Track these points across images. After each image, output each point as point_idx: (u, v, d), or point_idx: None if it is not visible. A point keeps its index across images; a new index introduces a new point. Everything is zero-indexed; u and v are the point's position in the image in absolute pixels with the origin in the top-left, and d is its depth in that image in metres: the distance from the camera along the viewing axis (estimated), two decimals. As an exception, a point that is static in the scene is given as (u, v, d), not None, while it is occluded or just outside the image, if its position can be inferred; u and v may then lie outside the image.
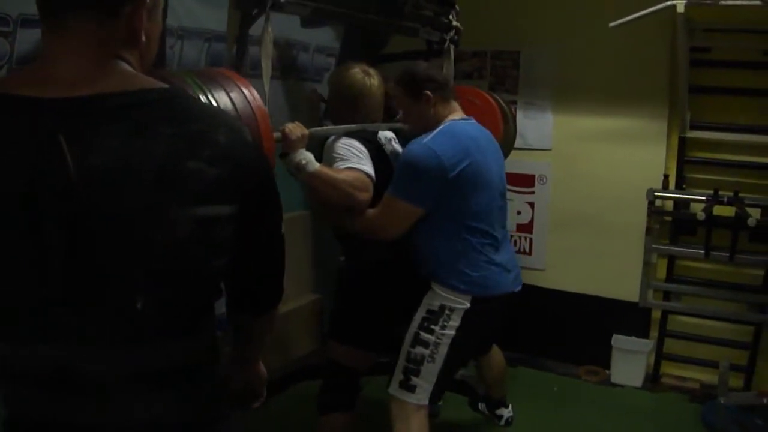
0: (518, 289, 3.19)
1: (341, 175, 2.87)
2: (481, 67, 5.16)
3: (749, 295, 4.43)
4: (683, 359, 4.70)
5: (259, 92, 2.56)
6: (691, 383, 4.61)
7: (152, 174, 1.11)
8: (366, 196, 2.91)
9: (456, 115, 3.11)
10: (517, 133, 4.89)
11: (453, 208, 2.95)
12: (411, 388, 3.01)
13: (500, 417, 4.10)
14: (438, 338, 2.99)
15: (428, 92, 3.02)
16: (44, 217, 1.09)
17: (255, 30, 2.87)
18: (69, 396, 1.19)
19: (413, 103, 3.04)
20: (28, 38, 2.64)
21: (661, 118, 4.57)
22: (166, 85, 1.21)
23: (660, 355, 4.76)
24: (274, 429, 3.93)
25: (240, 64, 3.01)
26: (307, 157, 2.78)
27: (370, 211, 2.96)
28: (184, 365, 1.25)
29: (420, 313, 3.04)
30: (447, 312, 2.98)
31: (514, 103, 5.03)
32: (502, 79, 5.11)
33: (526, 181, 5.04)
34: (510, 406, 4.12)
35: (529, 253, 5.04)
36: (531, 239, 5.00)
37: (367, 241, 3.05)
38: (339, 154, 2.96)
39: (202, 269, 1.21)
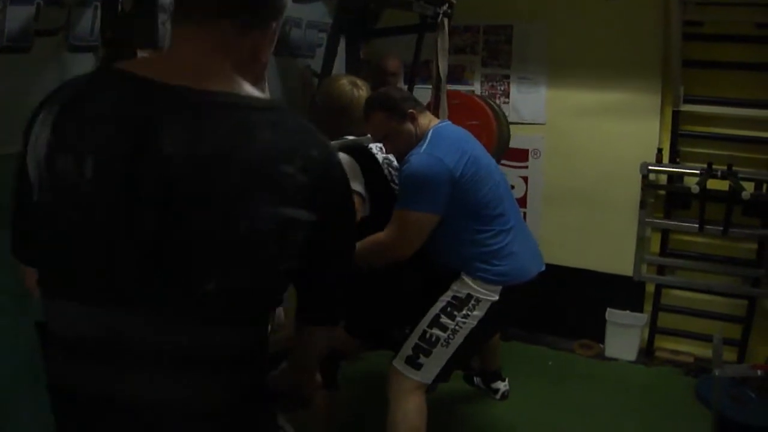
0: (543, 268, 3.20)
1: None
2: (473, 42, 5.14)
3: (743, 268, 4.44)
4: (677, 333, 4.72)
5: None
6: (685, 357, 4.64)
7: (248, 169, 1.20)
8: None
9: (434, 122, 3.15)
10: (511, 108, 4.91)
11: (466, 204, 2.96)
12: (417, 366, 3.01)
13: (496, 391, 4.12)
14: (458, 326, 2.99)
15: (411, 110, 3.04)
16: (141, 188, 1.17)
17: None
18: (114, 366, 1.25)
19: (400, 124, 3.03)
20: (18, 15, 2.61)
21: (655, 91, 4.56)
22: (272, 99, 1.35)
23: (654, 329, 4.78)
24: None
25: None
26: None
27: (382, 235, 2.96)
28: (237, 354, 1.30)
29: (445, 298, 3.04)
30: (473, 302, 2.99)
31: (507, 77, 5.02)
32: (495, 54, 5.09)
33: (519, 155, 5.04)
34: (506, 379, 4.15)
35: (523, 228, 5.02)
36: (525, 213, 4.99)
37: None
38: None
39: (273, 266, 1.27)
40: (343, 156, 3.02)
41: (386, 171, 3.21)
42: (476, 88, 5.16)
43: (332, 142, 3.01)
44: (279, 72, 4.23)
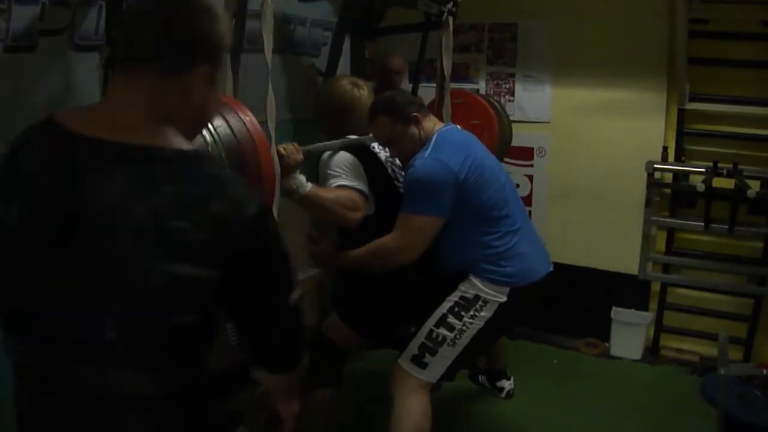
0: (551, 269, 3.20)
1: (332, 195, 2.94)
2: (478, 41, 5.14)
3: (748, 267, 4.43)
4: (682, 332, 4.71)
5: (260, 66, 2.55)
6: (691, 356, 4.64)
7: (142, 224, 1.21)
8: (357, 215, 2.98)
9: (439, 125, 3.16)
10: (516, 106, 4.91)
11: (472, 207, 2.97)
12: (423, 365, 3.01)
13: (501, 389, 4.12)
14: (465, 326, 2.99)
15: (415, 114, 3.05)
16: (52, 236, 1.22)
17: (253, 4, 2.85)
18: (43, 399, 1.31)
19: (404, 128, 3.04)
20: (23, 15, 2.61)
21: (660, 90, 4.55)
22: (193, 149, 1.33)
23: (659, 328, 4.77)
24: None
25: (238, 39, 2.99)
26: (298, 181, 2.84)
27: (387, 239, 2.97)
28: (154, 396, 1.30)
29: (453, 297, 3.04)
30: (481, 303, 2.99)
31: (512, 76, 5.02)
32: (500, 52, 5.08)
33: (524, 153, 5.03)
34: (511, 378, 4.14)
35: (528, 227, 5.02)
36: (530, 212, 4.99)
37: None
38: (332, 171, 3.03)
39: (170, 319, 1.26)
40: (346, 155, 3.04)
41: (389, 169, 3.22)
42: (481, 86, 5.16)
43: (335, 141, 3.05)
44: (284, 70, 4.23)
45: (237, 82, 2.82)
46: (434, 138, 3.03)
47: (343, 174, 3.01)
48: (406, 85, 4.87)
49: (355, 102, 3.20)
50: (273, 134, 2.55)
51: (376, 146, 3.23)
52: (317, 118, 3.33)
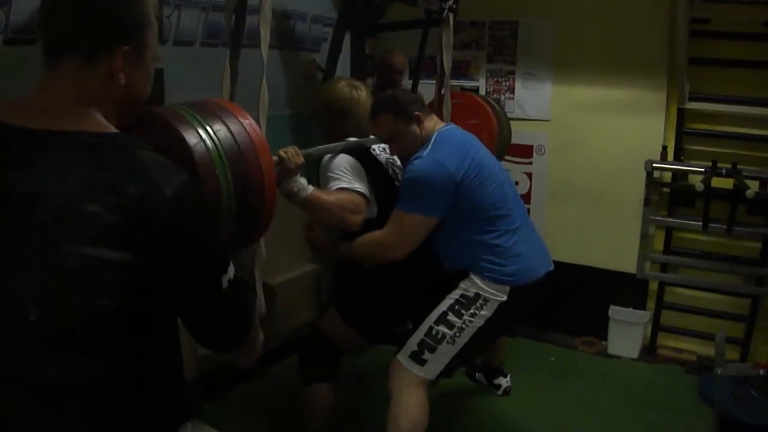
0: (552, 268, 3.21)
1: (333, 198, 2.95)
2: (479, 38, 5.14)
3: (746, 267, 4.43)
4: (680, 331, 4.72)
5: (259, 61, 2.55)
6: (688, 355, 4.64)
7: (56, 208, 1.23)
8: (358, 218, 2.99)
9: (440, 125, 3.17)
10: (516, 104, 4.91)
11: (471, 206, 2.98)
12: (421, 362, 3.02)
13: (498, 386, 4.13)
14: (465, 324, 3.00)
15: (417, 112, 3.07)
16: None
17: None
18: None
19: (406, 126, 3.06)
20: (23, 8, 2.62)
21: (660, 89, 4.55)
22: (112, 132, 1.34)
23: (657, 327, 4.78)
24: (275, 396, 4.02)
25: (238, 34, 2.99)
26: (299, 184, 2.85)
27: (379, 233, 2.99)
28: (75, 383, 1.29)
29: (453, 295, 3.04)
30: (481, 302, 2.99)
31: (512, 73, 5.02)
32: (500, 50, 5.08)
33: (524, 151, 5.04)
34: (508, 375, 4.15)
35: (527, 225, 5.02)
36: (529, 210, 4.98)
37: None
38: (333, 174, 3.04)
39: (89, 303, 1.25)
40: (346, 157, 3.05)
41: (390, 170, 3.23)
42: (481, 83, 5.16)
43: (335, 144, 3.06)
44: (283, 65, 4.23)
45: (236, 77, 2.82)
46: (434, 137, 3.04)
47: (343, 176, 3.02)
48: (407, 82, 4.88)
49: (354, 104, 3.21)
50: (264, 128, 2.55)
51: (376, 148, 3.25)
52: (317, 120, 3.34)
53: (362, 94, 3.24)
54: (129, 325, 1.33)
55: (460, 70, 5.09)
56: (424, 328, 3.04)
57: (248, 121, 2.01)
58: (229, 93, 2.69)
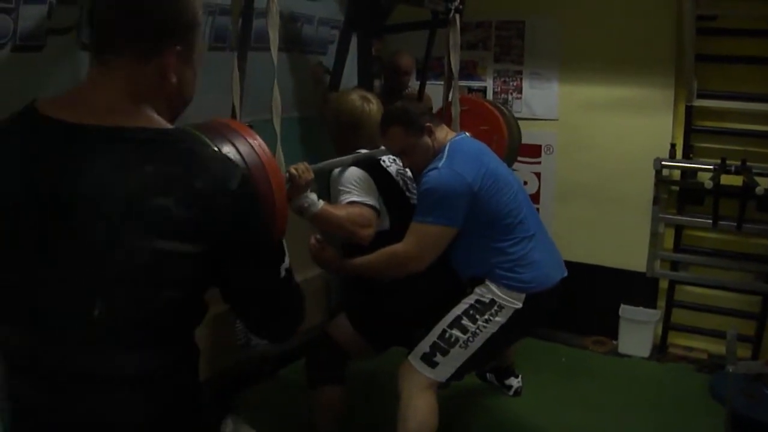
0: (566, 274, 3.22)
1: (343, 213, 2.96)
2: (485, 38, 5.14)
3: (757, 264, 4.42)
4: (691, 329, 4.71)
5: (266, 64, 2.55)
6: (699, 353, 4.62)
7: (123, 203, 1.24)
8: (369, 231, 3.00)
9: (451, 135, 3.18)
10: (523, 104, 4.91)
11: (487, 215, 2.98)
12: (433, 364, 3.02)
13: (509, 387, 4.12)
14: (479, 329, 3.00)
15: (428, 123, 3.07)
16: (41, 219, 1.26)
17: (259, 2, 2.86)
18: (33, 386, 1.34)
19: (417, 138, 3.06)
20: (30, 14, 2.62)
21: (668, 87, 4.54)
22: (171, 128, 1.36)
23: (667, 326, 4.76)
24: (285, 398, 4.03)
25: (245, 38, 3.00)
26: (309, 199, 2.86)
27: (399, 246, 2.99)
28: (136, 375, 1.33)
29: (468, 300, 3.05)
30: (496, 308, 3.00)
31: (520, 73, 5.02)
32: (507, 50, 5.08)
33: (532, 151, 5.03)
34: (519, 376, 4.15)
35: (536, 224, 5.01)
36: (538, 209, 4.97)
37: None
38: (343, 187, 3.05)
39: (156, 295, 1.29)
40: (356, 170, 3.06)
41: (401, 182, 3.22)
42: (488, 83, 5.16)
43: (345, 157, 3.07)
44: (291, 68, 4.24)
45: (244, 80, 2.82)
46: (447, 148, 3.05)
47: (354, 190, 3.03)
48: (414, 83, 4.88)
49: (365, 117, 3.21)
50: (279, 133, 2.55)
51: (386, 159, 3.25)
52: (327, 131, 3.34)
53: (373, 107, 3.24)
54: (188, 317, 1.39)
55: (467, 70, 5.09)
56: (437, 330, 3.04)
57: (257, 142, 2.02)
58: (239, 97, 2.70)
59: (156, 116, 1.36)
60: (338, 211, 2.95)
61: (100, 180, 1.25)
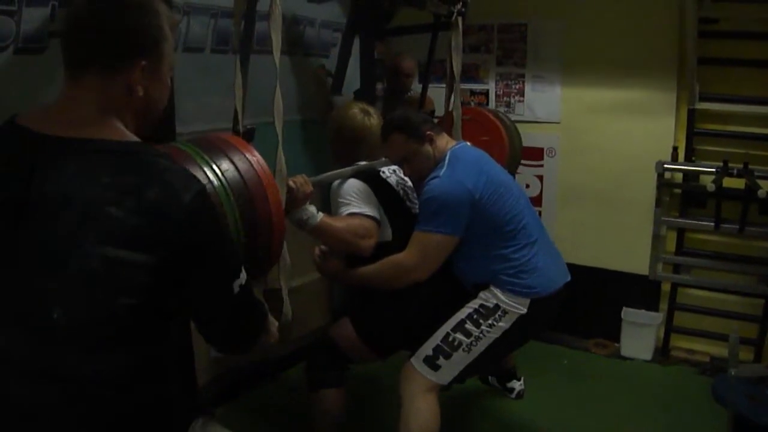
0: (569, 278, 3.23)
1: (343, 225, 2.96)
2: (488, 41, 5.14)
3: (759, 267, 4.40)
4: (693, 332, 4.69)
5: (268, 67, 2.55)
6: (701, 356, 4.62)
7: (81, 211, 1.30)
8: (370, 242, 3.00)
9: (451, 143, 3.20)
10: (526, 107, 4.91)
11: (489, 222, 2.99)
12: (435, 367, 3.02)
13: (511, 390, 4.12)
14: (482, 334, 3.00)
15: (429, 132, 3.09)
16: (11, 224, 1.32)
17: (261, 5, 2.86)
18: (7, 382, 1.35)
19: (419, 146, 3.08)
20: (33, 17, 2.63)
21: (670, 90, 4.53)
22: (133, 140, 1.42)
23: (670, 328, 4.75)
24: (287, 400, 4.05)
25: (247, 40, 3.00)
26: (309, 212, 2.86)
27: (401, 256, 3.00)
28: (99, 376, 1.34)
29: (473, 305, 3.05)
30: (500, 313, 3.00)
31: (522, 76, 5.02)
32: (510, 53, 5.08)
33: (534, 154, 5.03)
34: (522, 379, 4.14)
35: (538, 227, 5.01)
36: (540, 213, 4.98)
37: None
38: (343, 199, 3.05)
39: (112, 301, 1.32)
40: (355, 182, 3.06)
41: (401, 192, 3.22)
42: (490, 86, 5.17)
43: (344, 169, 3.07)
44: (293, 71, 4.24)
45: (246, 83, 2.83)
46: (447, 156, 3.06)
47: (353, 201, 3.03)
48: (416, 86, 4.88)
49: (366, 130, 3.22)
50: (281, 136, 2.56)
51: (386, 170, 3.26)
52: (328, 143, 3.35)
53: (374, 120, 3.25)
54: (147, 324, 1.39)
55: (470, 73, 5.10)
56: (440, 333, 3.04)
57: (255, 158, 2.02)
58: (241, 100, 2.70)
59: (122, 128, 1.42)
60: (338, 223, 2.96)
61: (62, 188, 1.30)
